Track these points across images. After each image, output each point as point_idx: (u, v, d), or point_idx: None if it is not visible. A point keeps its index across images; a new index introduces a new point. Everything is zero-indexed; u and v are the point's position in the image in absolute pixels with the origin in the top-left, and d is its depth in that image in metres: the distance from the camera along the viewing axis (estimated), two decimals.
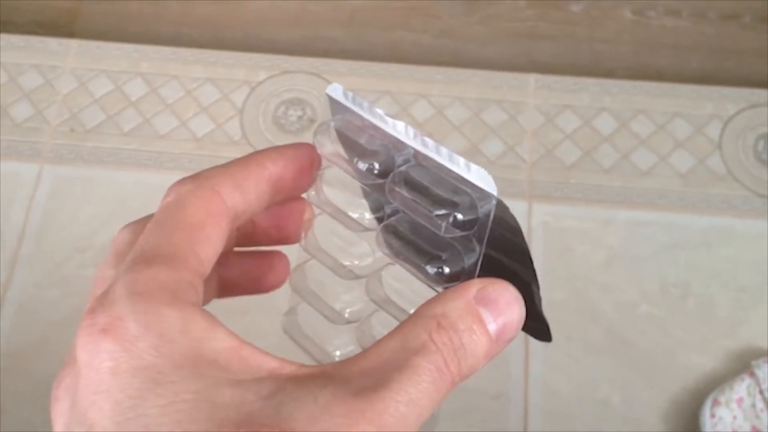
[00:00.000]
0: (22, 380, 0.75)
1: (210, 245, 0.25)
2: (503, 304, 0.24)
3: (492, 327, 0.23)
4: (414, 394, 0.21)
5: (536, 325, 0.27)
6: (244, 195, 0.26)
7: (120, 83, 0.90)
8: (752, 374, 0.71)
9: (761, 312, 0.78)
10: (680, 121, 0.88)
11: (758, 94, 0.89)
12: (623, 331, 0.77)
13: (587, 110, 0.88)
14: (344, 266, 0.29)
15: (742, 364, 0.74)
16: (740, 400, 0.70)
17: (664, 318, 0.78)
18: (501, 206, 0.25)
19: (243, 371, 0.21)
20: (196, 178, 0.26)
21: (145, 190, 0.84)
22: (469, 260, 0.25)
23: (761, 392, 0.70)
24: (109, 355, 0.20)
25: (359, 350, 0.25)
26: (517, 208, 0.82)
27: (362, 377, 0.21)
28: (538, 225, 0.82)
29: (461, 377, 0.23)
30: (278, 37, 0.98)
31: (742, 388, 0.71)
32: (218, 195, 0.25)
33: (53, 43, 0.93)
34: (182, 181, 0.26)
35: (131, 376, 0.20)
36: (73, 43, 0.93)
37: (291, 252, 0.32)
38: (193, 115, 0.89)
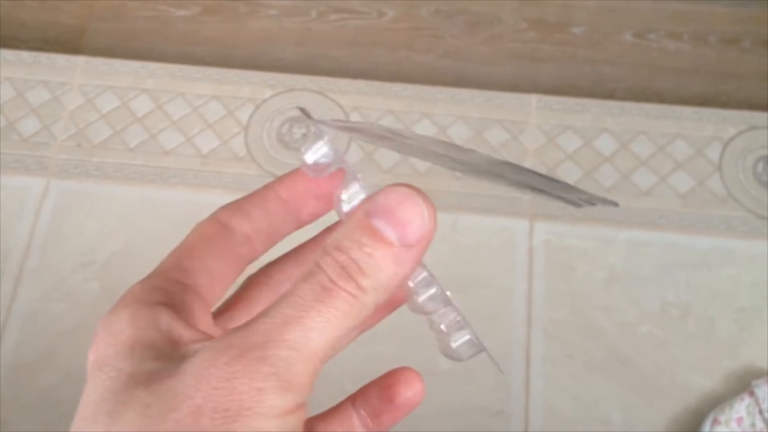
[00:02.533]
0: (25, 393, 0.75)
1: (199, 259, 0.27)
2: (395, 204, 0.23)
3: (390, 233, 0.23)
4: (291, 312, 0.21)
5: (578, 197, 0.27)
6: (246, 215, 0.28)
7: (126, 99, 0.91)
8: (752, 394, 0.72)
9: (761, 332, 0.78)
10: (680, 142, 0.89)
11: (758, 117, 0.90)
12: (624, 350, 0.78)
13: (588, 131, 0.89)
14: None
15: (741, 384, 0.75)
16: (740, 420, 0.71)
17: (665, 338, 0.78)
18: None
19: (171, 351, 0.23)
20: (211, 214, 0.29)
21: (150, 205, 0.84)
22: None
23: (761, 412, 0.70)
24: (90, 354, 0.24)
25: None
26: (518, 227, 0.83)
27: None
28: (540, 244, 0.83)
29: (368, 291, 0.22)
30: (283, 56, 0.99)
31: (741, 407, 0.71)
32: (215, 221, 0.28)
33: (61, 59, 0.94)
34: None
35: (92, 367, 0.24)
36: (81, 60, 0.94)
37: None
38: (198, 131, 0.90)
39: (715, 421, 0.71)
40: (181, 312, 0.25)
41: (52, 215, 0.84)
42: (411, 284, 0.26)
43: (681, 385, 0.76)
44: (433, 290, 0.26)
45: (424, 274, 0.26)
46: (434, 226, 0.23)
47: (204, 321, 0.26)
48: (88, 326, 0.79)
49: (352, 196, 0.26)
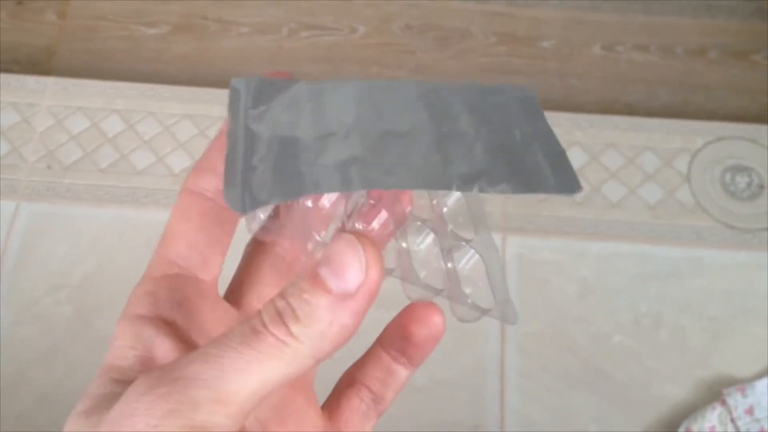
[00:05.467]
0: None
1: (183, 240, 0.26)
2: (335, 252, 0.22)
3: (330, 280, 0.22)
4: (213, 352, 0.21)
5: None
6: (211, 171, 0.27)
7: (97, 120, 0.91)
8: (724, 403, 0.72)
9: (732, 341, 0.79)
10: (649, 154, 0.90)
11: (725, 128, 0.91)
12: (598, 362, 0.78)
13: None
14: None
15: (713, 393, 0.76)
16: (712, 429, 0.71)
17: (638, 348, 0.79)
18: None
19: (133, 373, 0.23)
20: None
21: (123, 226, 0.84)
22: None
23: (732, 420, 0.71)
24: None
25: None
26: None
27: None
28: (513, 257, 0.83)
29: (301, 339, 0.22)
30: (255, 73, 0.99)
31: (713, 416, 0.72)
32: (185, 192, 0.27)
33: (30, 80, 0.93)
34: None
35: None
36: (50, 81, 0.93)
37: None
38: (170, 151, 0.89)
39: (688, 431, 0.72)
40: (177, 311, 0.25)
41: (22, 238, 0.84)
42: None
43: (654, 395, 0.77)
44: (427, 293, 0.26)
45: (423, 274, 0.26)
46: (375, 276, 0.22)
47: (209, 308, 0.26)
48: (61, 350, 0.78)
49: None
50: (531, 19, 1.03)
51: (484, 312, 0.27)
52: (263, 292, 0.28)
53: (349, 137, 0.24)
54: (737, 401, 0.72)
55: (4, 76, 0.94)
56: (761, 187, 0.87)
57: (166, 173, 0.88)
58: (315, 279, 0.22)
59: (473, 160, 0.24)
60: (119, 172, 0.88)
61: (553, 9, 1.04)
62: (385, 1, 1.04)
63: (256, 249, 0.29)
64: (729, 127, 0.91)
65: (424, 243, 0.27)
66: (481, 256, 0.28)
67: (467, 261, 0.28)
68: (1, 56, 0.99)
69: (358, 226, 0.26)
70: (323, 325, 0.22)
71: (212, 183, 0.26)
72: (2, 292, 0.81)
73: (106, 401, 0.22)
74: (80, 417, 0.22)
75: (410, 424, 0.75)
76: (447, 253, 0.27)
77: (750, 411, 0.72)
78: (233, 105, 0.26)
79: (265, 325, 0.22)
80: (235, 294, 0.28)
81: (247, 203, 0.23)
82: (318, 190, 0.23)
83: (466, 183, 0.23)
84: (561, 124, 0.91)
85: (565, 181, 0.25)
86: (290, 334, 0.21)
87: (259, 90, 0.27)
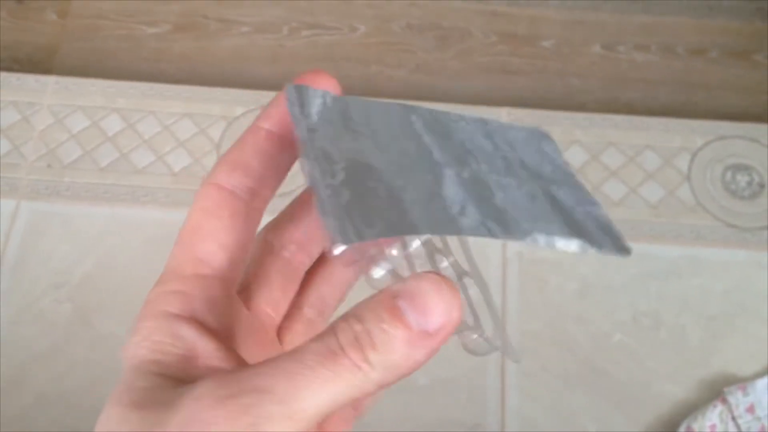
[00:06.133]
0: None
1: (210, 239, 0.25)
2: (422, 291, 0.22)
3: (411, 316, 0.22)
4: (290, 367, 0.21)
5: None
6: (244, 168, 0.26)
7: (97, 119, 0.91)
8: (724, 401, 0.72)
9: (732, 340, 0.79)
10: (650, 153, 0.89)
11: (725, 127, 0.91)
12: (598, 361, 0.78)
13: (559, 143, 0.90)
14: None
15: (714, 392, 0.75)
16: (713, 427, 0.71)
17: (637, 347, 0.79)
18: None
19: (183, 370, 0.23)
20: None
21: (122, 224, 0.84)
22: None
23: (733, 419, 0.71)
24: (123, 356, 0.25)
25: None
26: (491, 240, 0.83)
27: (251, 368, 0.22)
28: (513, 256, 0.83)
29: (375, 366, 0.22)
30: (255, 72, 0.99)
31: (714, 415, 0.72)
32: (213, 187, 0.26)
33: (30, 79, 0.93)
34: None
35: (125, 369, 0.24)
36: (50, 80, 0.93)
37: None
38: (170, 149, 0.89)
39: (689, 430, 0.72)
40: (209, 313, 0.25)
41: (22, 237, 0.84)
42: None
43: (654, 394, 0.77)
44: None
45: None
46: (456, 318, 0.22)
47: (236, 312, 0.26)
48: (60, 348, 0.78)
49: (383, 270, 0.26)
50: (531, 18, 1.03)
51: (494, 346, 0.27)
52: (272, 296, 0.29)
53: (441, 174, 0.25)
54: (738, 399, 0.72)
55: (4, 74, 0.94)
56: (762, 186, 0.87)
57: (166, 172, 0.88)
58: (395, 312, 0.22)
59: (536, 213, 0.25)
60: (119, 170, 0.88)
61: (553, 9, 1.04)
62: (385, 0, 1.04)
63: (263, 251, 0.29)
64: (729, 126, 0.91)
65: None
66: (479, 288, 0.29)
67: (469, 290, 0.28)
68: (1, 55, 1.00)
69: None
70: (398, 357, 0.22)
71: (244, 182, 0.26)
72: (2, 291, 0.81)
73: (156, 395, 0.22)
74: (128, 409, 0.22)
75: (410, 423, 0.75)
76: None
77: (751, 409, 0.71)
78: (293, 116, 0.25)
79: (342, 348, 0.22)
80: (242, 295, 0.28)
81: (351, 235, 0.22)
82: (435, 232, 0.24)
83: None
84: (561, 123, 0.91)
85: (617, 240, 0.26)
86: (366, 360, 0.22)
87: (307, 101, 0.26)
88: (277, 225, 0.29)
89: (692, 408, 0.75)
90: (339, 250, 0.22)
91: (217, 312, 0.25)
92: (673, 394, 0.77)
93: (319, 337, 0.22)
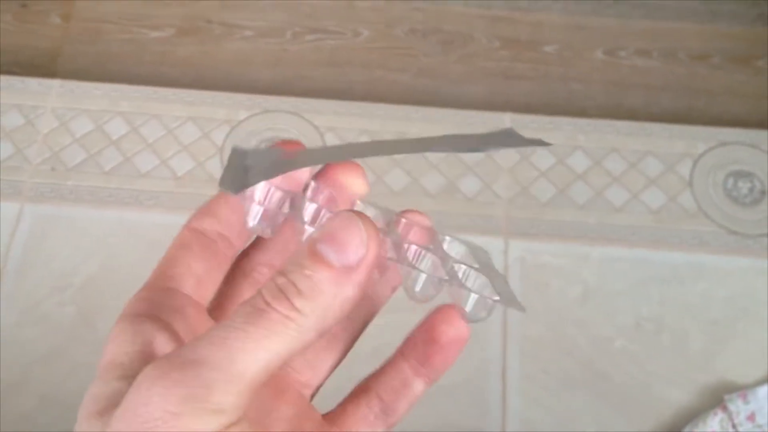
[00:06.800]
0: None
1: (182, 265, 0.27)
2: (336, 228, 0.23)
3: (331, 255, 0.23)
4: (219, 334, 0.22)
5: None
6: (213, 216, 0.28)
7: (101, 122, 0.91)
8: (725, 408, 0.72)
9: (733, 346, 0.79)
10: (652, 159, 0.90)
11: (727, 133, 0.91)
12: (599, 365, 0.79)
13: (561, 148, 0.90)
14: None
15: (715, 398, 0.76)
16: None
17: (639, 352, 0.79)
18: None
19: (135, 368, 0.23)
20: None
21: (126, 228, 0.84)
22: None
23: (734, 426, 0.71)
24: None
25: None
26: (494, 245, 0.83)
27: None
28: (515, 261, 0.83)
29: (306, 313, 0.22)
30: (258, 76, 1.00)
31: (715, 422, 0.72)
32: (188, 229, 0.28)
33: (34, 83, 0.94)
34: None
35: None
36: (55, 83, 0.94)
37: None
38: (173, 153, 0.90)
39: None
40: (172, 315, 0.26)
41: (26, 239, 0.84)
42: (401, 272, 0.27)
43: (656, 399, 0.77)
44: (423, 276, 0.27)
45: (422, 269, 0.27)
46: (375, 248, 0.23)
47: (198, 320, 0.27)
48: (63, 351, 0.78)
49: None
50: (534, 23, 1.04)
51: (492, 301, 0.27)
52: None
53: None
54: (739, 407, 0.72)
55: (8, 78, 0.94)
56: (763, 192, 0.87)
57: (170, 176, 0.88)
58: (315, 255, 0.23)
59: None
60: (123, 174, 0.88)
61: (555, 14, 1.04)
62: (388, 4, 1.05)
63: (236, 273, 0.30)
64: (731, 133, 0.92)
65: (422, 264, 0.28)
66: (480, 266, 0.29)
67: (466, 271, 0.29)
68: (5, 58, 1.00)
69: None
70: (327, 297, 0.23)
71: (214, 226, 0.28)
72: (6, 294, 0.81)
73: (117, 398, 0.22)
74: (93, 418, 0.23)
75: (412, 426, 0.75)
76: (446, 262, 0.28)
77: (752, 417, 0.72)
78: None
79: (267, 303, 0.22)
80: (214, 313, 0.29)
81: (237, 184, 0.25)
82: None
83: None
84: (563, 129, 0.91)
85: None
86: (294, 308, 0.22)
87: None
88: (247, 253, 0.30)
89: (694, 413, 0.75)
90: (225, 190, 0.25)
91: (182, 317, 0.26)
92: (674, 399, 0.77)
93: (247, 300, 0.23)
